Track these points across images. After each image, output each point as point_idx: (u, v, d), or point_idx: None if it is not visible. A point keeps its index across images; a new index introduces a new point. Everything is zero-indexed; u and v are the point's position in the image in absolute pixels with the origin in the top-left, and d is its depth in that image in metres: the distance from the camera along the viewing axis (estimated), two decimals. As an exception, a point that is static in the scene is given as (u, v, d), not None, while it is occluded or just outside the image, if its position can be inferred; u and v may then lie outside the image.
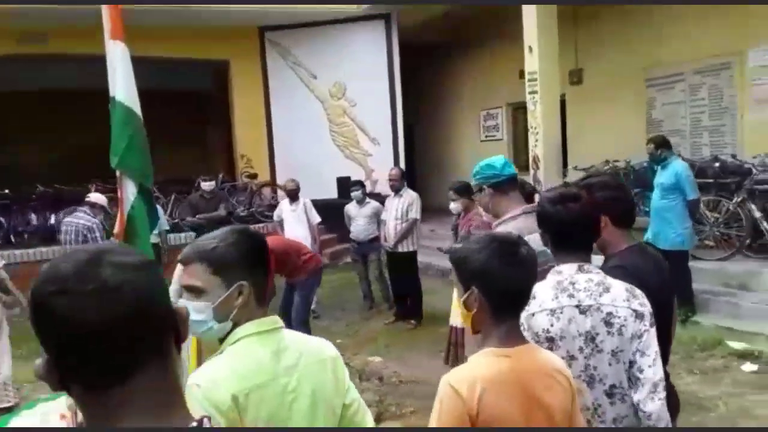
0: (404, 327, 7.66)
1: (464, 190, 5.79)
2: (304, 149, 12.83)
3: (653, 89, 9.53)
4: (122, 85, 5.30)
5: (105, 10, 5.28)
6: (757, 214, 6.73)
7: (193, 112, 15.46)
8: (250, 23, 12.78)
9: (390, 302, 8.47)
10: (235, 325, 1.73)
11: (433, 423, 1.76)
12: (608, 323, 2.02)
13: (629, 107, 9.84)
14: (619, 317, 2.02)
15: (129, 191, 5.36)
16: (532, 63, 9.08)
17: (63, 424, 5.16)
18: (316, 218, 8.64)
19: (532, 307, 2.06)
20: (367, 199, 8.70)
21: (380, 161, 12.95)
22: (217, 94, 14.22)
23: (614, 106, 10.02)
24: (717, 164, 7.59)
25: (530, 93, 9.19)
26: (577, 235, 2.16)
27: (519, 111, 12.86)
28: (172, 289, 6.52)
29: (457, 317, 6.09)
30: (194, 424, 1.02)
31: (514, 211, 3.22)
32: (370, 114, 13.03)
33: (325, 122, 13.26)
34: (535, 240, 3.14)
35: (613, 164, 9.26)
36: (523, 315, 2.03)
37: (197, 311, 1.70)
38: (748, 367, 5.52)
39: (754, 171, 7.00)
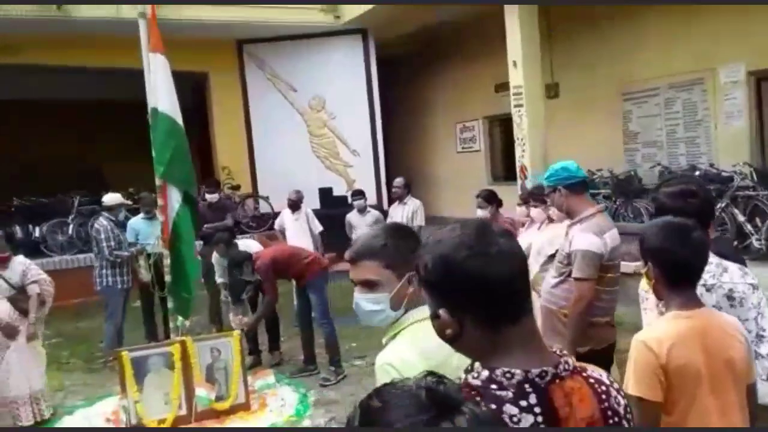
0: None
1: (492, 198, 6.12)
2: (285, 161, 13.02)
3: (629, 103, 10.17)
4: (164, 96, 5.51)
5: (142, 24, 5.49)
6: (741, 218, 7.34)
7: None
8: (228, 36, 12.92)
9: (392, 308, 8.76)
10: (404, 312, 1.95)
11: (629, 378, 2.10)
12: (730, 297, 2.41)
13: (606, 120, 10.45)
14: (739, 291, 2.41)
15: (174, 199, 5.57)
16: (516, 77, 9.57)
17: (107, 425, 5.23)
18: (319, 227, 8.88)
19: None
20: (369, 208, 9.01)
21: (361, 172, 13.26)
22: (196, 106, 14.26)
23: (591, 118, 10.62)
24: (697, 173, 8.22)
25: (516, 106, 9.68)
26: None
27: (495, 123, 13.42)
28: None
29: None
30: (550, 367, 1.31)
31: (588, 209, 3.61)
32: (350, 126, 13.34)
33: (306, 134, 13.49)
34: (613, 236, 3.53)
35: (597, 173, 9.83)
36: None
37: (375, 302, 1.93)
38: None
39: (735, 179, 7.62)
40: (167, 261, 5.68)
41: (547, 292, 3.75)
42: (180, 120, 5.73)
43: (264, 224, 12.29)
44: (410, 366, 1.81)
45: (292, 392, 6.00)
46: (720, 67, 8.73)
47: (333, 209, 11.04)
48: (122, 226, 7.58)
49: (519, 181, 9.57)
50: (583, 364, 1.36)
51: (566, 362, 1.31)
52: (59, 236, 11.46)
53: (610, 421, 1.28)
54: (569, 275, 3.52)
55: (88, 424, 5.52)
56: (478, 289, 1.27)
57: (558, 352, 1.35)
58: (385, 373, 1.82)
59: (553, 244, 5.45)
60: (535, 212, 5.93)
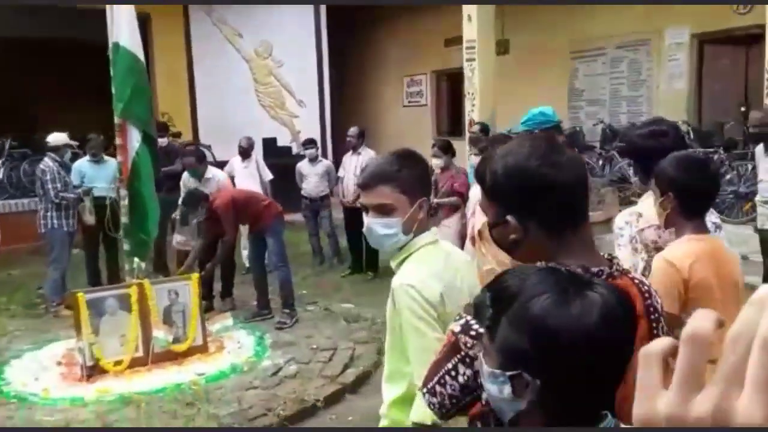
0: (362, 279, 8.06)
1: (448, 148, 6.22)
2: (228, 109, 12.69)
3: (577, 61, 10.40)
4: (126, 30, 5.30)
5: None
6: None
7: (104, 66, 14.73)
8: (173, -23, 12.40)
9: (339, 258, 8.83)
10: (414, 236, 2.02)
11: None
12: None
13: (553, 78, 10.66)
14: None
15: (133, 138, 5.41)
16: (470, 31, 9.62)
17: (58, 369, 5.16)
18: (269, 175, 8.80)
19: (640, 224, 2.60)
20: (320, 158, 8.97)
21: (307, 123, 13.09)
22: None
23: (539, 76, 10.81)
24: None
25: (468, 60, 9.75)
26: None
27: (442, 78, 13.47)
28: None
29: None
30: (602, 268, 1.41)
31: None
32: (297, 75, 13.10)
33: (251, 82, 13.17)
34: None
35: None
36: (634, 230, 2.57)
37: (388, 227, 1.99)
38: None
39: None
40: (124, 202, 5.54)
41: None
42: (142, 56, 5.54)
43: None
44: (428, 285, 1.92)
45: (248, 335, 6.01)
46: (666, 28, 9.01)
47: (276, 159, 10.91)
48: (67, 168, 7.27)
49: (467, 135, 9.68)
50: (627, 268, 1.46)
51: (618, 264, 1.42)
52: (-11, 180, 10.93)
53: (651, 317, 1.39)
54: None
55: (38, 367, 5.39)
56: (548, 195, 1.36)
57: (608, 257, 1.44)
58: (405, 293, 1.90)
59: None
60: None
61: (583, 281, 1.08)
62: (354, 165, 8.14)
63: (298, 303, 6.65)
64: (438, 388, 1.49)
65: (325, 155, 12.55)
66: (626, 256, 2.56)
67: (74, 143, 7.37)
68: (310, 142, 8.95)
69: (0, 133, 11.58)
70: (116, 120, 5.47)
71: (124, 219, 5.55)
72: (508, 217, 1.40)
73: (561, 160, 1.38)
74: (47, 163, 7.04)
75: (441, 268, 2.00)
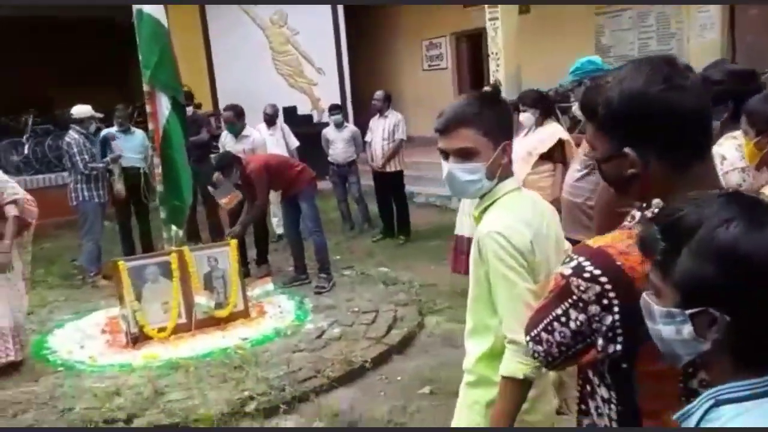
0: (393, 243, 8.02)
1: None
2: (247, 79, 12.56)
3: (601, 18, 10.16)
4: (149, -2, 5.21)
5: None
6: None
7: (118, 44, 14.61)
8: (184, -54, 12.21)
9: (369, 223, 8.78)
10: (497, 182, 1.92)
11: None
12: None
13: (577, 35, 10.42)
14: None
15: (163, 105, 5.35)
16: (493, -11, 9.42)
17: (103, 337, 5.19)
18: (295, 142, 8.73)
19: (724, 167, 2.50)
20: (345, 123, 8.87)
21: (326, 91, 12.98)
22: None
23: (562, 34, 10.57)
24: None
25: (491, 20, 9.56)
26: None
27: (462, 40, 13.25)
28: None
29: (464, 227, 6.49)
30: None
31: None
32: (314, 43, 12.97)
33: (268, 51, 13.07)
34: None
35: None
36: (720, 174, 2.49)
37: (470, 172, 1.89)
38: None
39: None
40: (158, 170, 5.50)
41: (570, 185, 3.79)
42: (165, 22, 5.46)
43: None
44: (516, 231, 1.83)
45: (288, 300, 6.01)
46: (695, -22, 8.78)
47: (297, 128, 10.81)
48: (92, 140, 7.23)
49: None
50: None
51: None
52: (14, 156, 10.96)
53: None
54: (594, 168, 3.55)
55: (82, 336, 5.41)
56: (673, 123, 1.25)
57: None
58: (493, 241, 1.81)
59: (545, 143, 5.51)
60: (524, 117, 5.91)
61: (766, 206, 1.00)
62: (381, 128, 8.04)
63: (334, 268, 6.63)
64: (544, 336, 1.43)
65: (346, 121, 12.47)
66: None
67: (99, 114, 7.29)
68: (335, 108, 8.85)
69: (21, 110, 11.59)
70: (145, 87, 5.41)
71: (159, 187, 5.51)
72: (626, 150, 1.29)
73: (685, 83, 1.25)
74: (72, 135, 7.00)
75: (529, 215, 1.92)
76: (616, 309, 1.27)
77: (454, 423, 2.06)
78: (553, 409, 2.02)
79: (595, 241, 1.34)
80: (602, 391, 1.38)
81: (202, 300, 5.37)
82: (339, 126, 8.61)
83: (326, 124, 10.65)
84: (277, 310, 5.74)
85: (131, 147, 7.45)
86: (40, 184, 10.34)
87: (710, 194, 1.05)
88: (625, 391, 1.33)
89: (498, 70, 9.52)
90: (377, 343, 4.88)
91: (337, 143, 8.56)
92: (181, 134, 5.53)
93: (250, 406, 4.00)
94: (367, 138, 8.24)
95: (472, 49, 13.20)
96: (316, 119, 13.06)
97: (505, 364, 1.79)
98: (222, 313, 5.42)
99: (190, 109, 8.48)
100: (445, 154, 1.95)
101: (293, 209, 6.47)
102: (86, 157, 6.89)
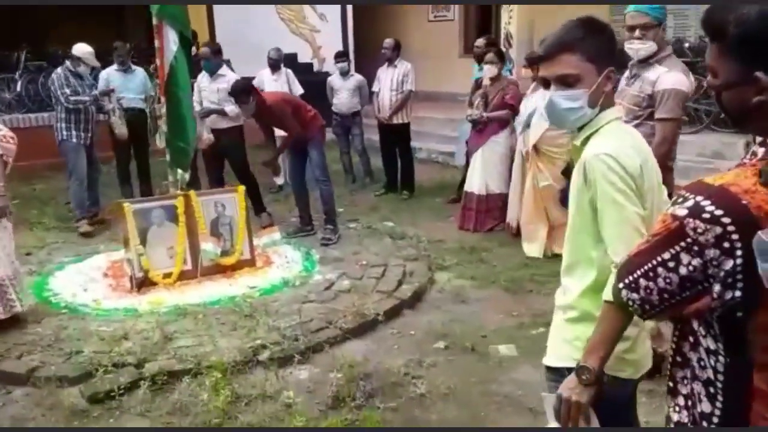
0: (396, 198, 7.88)
1: (502, 56, 5.89)
2: (247, 22, 12.19)
3: (619, -27, 9.85)
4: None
5: None
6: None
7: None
8: None
9: (371, 177, 8.63)
10: (600, 110, 1.85)
11: None
12: None
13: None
14: None
15: (171, 40, 5.12)
16: (509, -61, 9.11)
17: (106, 281, 5.04)
18: (299, 89, 8.48)
19: None
20: (351, 72, 8.63)
21: (328, 39, 12.67)
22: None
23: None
24: (686, 45, 8.18)
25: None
26: None
27: (471, -9, 12.89)
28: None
29: (473, 183, 6.36)
30: None
31: (667, 48, 3.51)
32: (319, -13, 12.58)
33: (270, -6, 12.66)
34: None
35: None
36: None
37: (572, 99, 1.82)
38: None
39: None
40: (164, 110, 5.30)
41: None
42: None
43: (225, 89, 11.62)
44: (626, 154, 1.77)
45: (294, 250, 5.89)
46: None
47: (298, 76, 10.51)
48: (81, 77, 6.72)
49: (504, 49, 9.30)
50: None
51: None
52: (6, 94, 10.61)
53: None
54: (647, 118, 3.41)
55: (84, 279, 5.28)
56: None
57: None
58: (602, 162, 1.75)
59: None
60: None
61: None
62: (390, 78, 7.82)
63: (338, 221, 6.51)
64: (643, 282, 1.34)
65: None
66: None
67: (96, 63, 6.87)
68: (341, 55, 8.60)
69: (14, 45, 11.18)
70: (154, 21, 5.17)
71: (163, 127, 5.31)
72: (758, 74, 1.17)
73: None
74: (57, 71, 6.68)
75: (637, 143, 1.88)
76: (738, 252, 1.18)
77: (551, 357, 1.99)
78: (649, 349, 1.97)
79: (715, 180, 1.24)
80: (708, 342, 1.30)
81: (209, 246, 5.24)
82: (344, 74, 8.37)
83: (327, 74, 10.41)
84: (283, 260, 5.63)
85: (132, 87, 7.19)
86: (32, 123, 10.04)
87: None
88: (736, 342, 1.25)
89: (510, 23, 9.27)
90: (388, 297, 4.79)
91: (342, 92, 8.34)
92: (187, 72, 5.32)
93: (263, 355, 3.91)
94: (375, 88, 8.02)
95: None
96: (316, 68, 12.76)
97: (610, 289, 1.67)
98: (228, 260, 5.30)
99: (192, 49, 8.20)
100: (546, 82, 1.91)
101: (300, 156, 6.29)
102: (67, 90, 6.53)
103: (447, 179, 8.55)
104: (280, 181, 8.39)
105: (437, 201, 7.74)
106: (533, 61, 5.68)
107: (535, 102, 5.66)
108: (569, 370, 1.74)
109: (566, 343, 1.91)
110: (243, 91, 5.83)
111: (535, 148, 5.54)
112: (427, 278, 5.20)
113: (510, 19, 9.25)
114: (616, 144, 1.80)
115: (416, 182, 8.21)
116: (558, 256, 5.57)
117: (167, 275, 5.05)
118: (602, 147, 1.79)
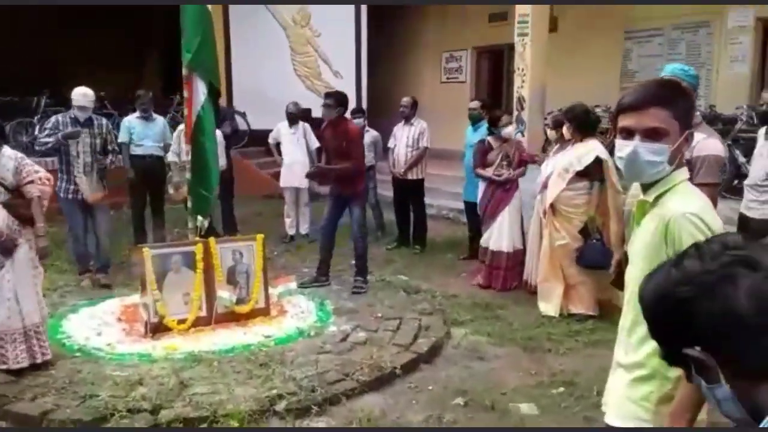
0: (408, 252, 7.88)
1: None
2: (264, 77, 12.47)
3: (630, 42, 10.13)
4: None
5: None
6: (742, 159, 7.49)
7: (135, 31, 14.50)
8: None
9: (383, 230, 8.65)
10: (674, 169, 1.88)
11: None
12: None
13: (604, 57, 10.39)
14: None
15: (200, 90, 5.23)
16: (524, 6, 9.36)
17: (119, 325, 5.00)
18: (316, 143, 8.59)
19: None
20: (367, 128, 8.76)
21: (342, 95, 12.85)
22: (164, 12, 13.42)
23: (589, 55, 10.54)
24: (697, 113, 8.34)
25: (520, 35, 9.48)
26: None
27: (483, 55, 13.20)
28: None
29: (502, 242, 6.34)
30: None
31: (698, 115, 3.59)
32: (335, 46, 12.86)
33: (287, 50, 12.96)
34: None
35: (594, 109, 9.82)
36: None
37: (656, 153, 1.85)
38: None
39: (739, 121, 7.73)
40: (187, 158, 5.37)
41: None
42: (209, 5, 5.35)
43: (239, 141, 11.77)
44: (711, 216, 1.82)
45: (308, 300, 5.86)
46: (729, 10, 8.74)
47: (313, 131, 10.70)
48: (78, 123, 6.18)
49: (516, 113, 9.46)
50: None
51: None
52: (23, 137, 10.75)
53: None
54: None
55: (98, 322, 5.24)
56: None
57: None
58: (689, 221, 1.78)
59: (582, 160, 5.44)
60: (567, 130, 5.83)
61: None
62: (406, 136, 7.94)
63: (350, 274, 6.53)
64: None
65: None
66: None
67: (84, 104, 6.18)
68: (358, 111, 8.75)
69: (36, 92, 11.40)
70: (184, 72, 5.29)
71: (187, 175, 5.38)
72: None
73: None
74: (57, 116, 6.34)
75: (710, 204, 1.92)
76: None
77: (614, 418, 1.98)
78: None
79: None
80: None
81: (225, 294, 5.22)
82: (361, 129, 8.49)
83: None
84: (297, 310, 5.60)
85: (152, 134, 7.30)
86: (48, 166, 10.10)
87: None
88: None
89: (523, 87, 9.43)
90: (405, 350, 4.74)
91: (358, 147, 8.42)
92: (213, 122, 5.42)
93: (280, 405, 3.85)
94: (390, 144, 8.14)
95: (492, 65, 13.16)
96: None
97: None
98: (243, 308, 5.28)
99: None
100: (628, 133, 1.90)
101: (339, 208, 6.36)
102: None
103: (458, 235, 8.56)
104: (291, 231, 8.42)
105: (449, 257, 7.74)
106: (559, 123, 5.78)
107: (554, 164, 5.73)
108: (634, 430, 1.72)
109: (632, 403, 1.91)
110: (338, 96, 6.21)
111: (552, 207, 5.57)
112: (443, 333, 5.15)
113: (523, 83, 9.42)
114: (701, 204, 1.84)
115: (427, 238, 8.23)
116: (573, 316, 5.61)
117: (182, 321, 5.01)
118: (688, 206, 1.82)
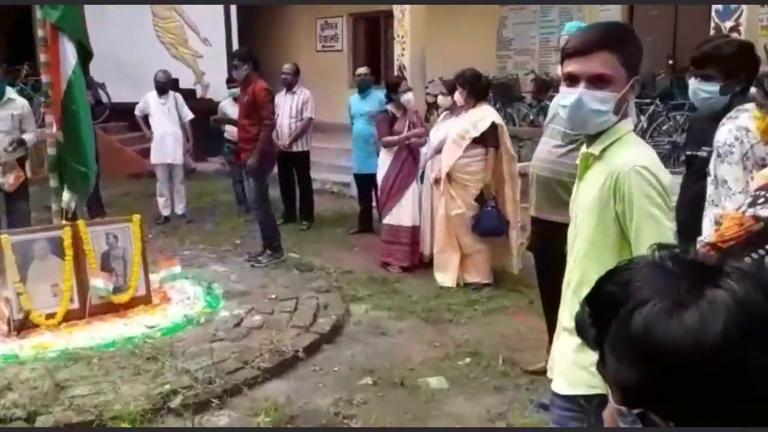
0: (296, 228, 7.58)
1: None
2: (123, 44, 11.43)
3: (505, 9, 10.25)
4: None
5: None
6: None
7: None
8: None
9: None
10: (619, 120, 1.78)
11: None
12: None
13: (481, 24, 10.45)
14: None
15: (68, 52, 4.63)
16: (401, -30, 9.18)
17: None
18: (189, 114, 8.07)
19: (750, 138, 2.44)
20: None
21: (212, 64, 12.17)
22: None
23: (465, 23, 10.56)
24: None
25: (398, 1, 9.33)
26: None
27: (360, 22, 12.92)
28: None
29: (402, 217, 6.13)
30: None
31: None
32: (202, 11, 12.11)
33: (149, 15, 12.04)
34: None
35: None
36: (746, 146, 2.41)
37: (602, 102, 1.73)
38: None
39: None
40: (50, 131, 4.72)
41: (551, 162, 3.60)
42: None
43: (101, 114, 10.80)
44: (661, 168, 1.74)
45: (193, 285, 5.42)
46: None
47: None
48: None
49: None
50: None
51: None
52: None
53: None
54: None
55: None
56: None
57: None
58: (639, 175, 1.68)
59: (478, 127, 5.36)
60: (459, 97, 5.68)
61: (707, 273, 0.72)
62: (289, 105, 7.57)
63: (236, 253, 6.18)
64: None
65: (233, 99, 11.76)
66: (739, 176, 2.37)
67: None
68: (234, 80, 8.23)
69: None
70: (40, 33, 4.65)
71: (51, 150, 4.75)
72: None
73: None
74: None
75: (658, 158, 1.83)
76: None
77: (563, 385, 1.84)
78: None
79: None
80: None
81: (99, 283, 4.68)
82: (237, 99, 8.00)
83: (211, 100, 9.97)
84: (183, 296, 5.15)
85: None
86: None
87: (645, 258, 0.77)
88: None
89: (403, 54, 9.29)
90: (305, 331, 4.50)
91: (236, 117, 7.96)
92: (85, 89, 4.83)
93: (175, 401, 3.50)
94: (273, 114, 7.72)
95: (369, 32, 12.93)
96: (200, 94, 12.23)
97: None
98: (122, 297, 4.78)
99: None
100: (572, 80, 1.76)
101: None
102: None
103: (345, 209, 8.38)
104: (165, 212, 7.87)
105: (338, 231, 7.52)
106: (452, 88, 5.62)
107: (446, 130, 5.62)
108: (584, 398, 1.61)
109: (581, 369, 1.77)
110: (241, 52, 6.31)
111: (449, 175, 5.48)
112: (343, 310, 4.95)
113: (403, 51, 9.28)
114: (651, 157, 1.74)
115: (317, 212, 7.97)
116: (469, 285, 5.58)
117: (51, 316, 4.46)
118: (638, 159, 1.71)
